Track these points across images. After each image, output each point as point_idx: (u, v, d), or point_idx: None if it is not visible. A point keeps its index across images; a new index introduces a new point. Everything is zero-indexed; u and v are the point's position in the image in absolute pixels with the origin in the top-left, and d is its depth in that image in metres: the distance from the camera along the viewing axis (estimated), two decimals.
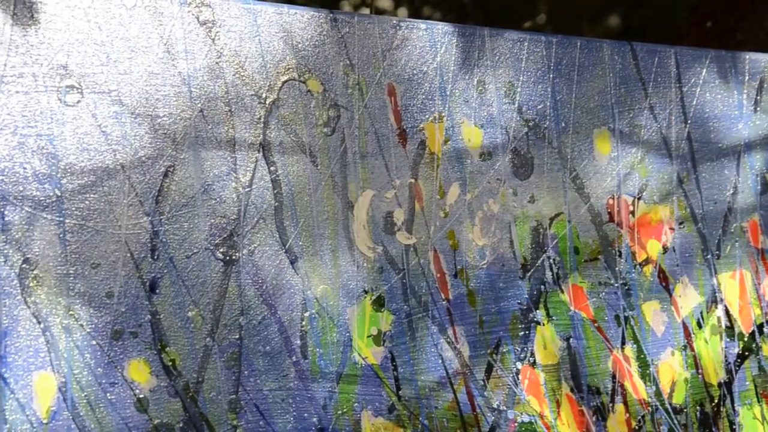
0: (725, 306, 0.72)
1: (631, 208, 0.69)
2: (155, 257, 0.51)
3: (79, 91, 0.49)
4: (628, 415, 0.66)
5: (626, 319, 0.67)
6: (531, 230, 0.64)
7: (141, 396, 0.50)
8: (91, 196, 0.49)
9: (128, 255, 0.50)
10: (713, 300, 0.72)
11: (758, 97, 0.75)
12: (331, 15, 0.58)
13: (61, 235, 0.48)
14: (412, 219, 0.59)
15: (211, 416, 0.52)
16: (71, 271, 0.48)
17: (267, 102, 0.55)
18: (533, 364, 0.62)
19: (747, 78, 0.75)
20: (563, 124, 0.66)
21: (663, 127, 0.71)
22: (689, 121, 0.72)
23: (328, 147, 0.57)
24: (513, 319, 0.62)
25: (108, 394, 0.49)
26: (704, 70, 0.73)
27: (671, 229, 0.70)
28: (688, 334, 0.69)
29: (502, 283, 0.62)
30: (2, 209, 0.47)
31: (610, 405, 0.66)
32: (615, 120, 0.68)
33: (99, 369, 0.49)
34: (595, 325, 0.66)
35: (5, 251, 0.47)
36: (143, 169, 0.51)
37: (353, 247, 0.57)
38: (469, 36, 0.62)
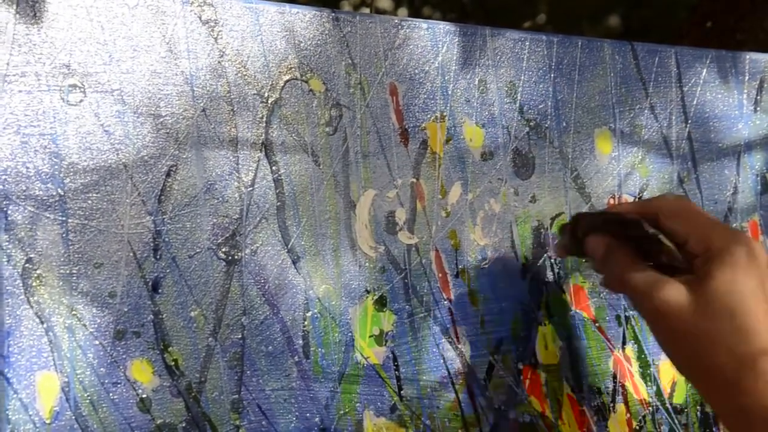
0: None
1: None
2: (158, 257, 0.51)
3: (82, 90, 0.49)
4: (629, 415, 0.66)
5: (627, 319, 0.67)
6: (532, 230, 0.64)
7: (144, 396, 0.50)
8: (94, 195, 0.49)
9: (131, 254, 0.50)
10: None
11: (758, 97, 0.75)
12: (333, 14, 0.58)
13: (64, 235, 0.48)
14: (414, 219, 0.59)
15: (213, 416, 0.52)
16: (74, 271, 0.48)
17: (269, 101, 0.55)
18: (534, 365, 0.62)
19: (747, 78, 0.75)
20: (564, 124, 0.66)
21: (663, 126, 0.71)
22: (690, 121, 0.72)
23: (330, 146, 0.57)
24: (514, 319, 0.62)
25: (111, 394, 0.49)
26: (705, 70, 0.73)
27: None
28: None
29: (504, 283, 0.62)
30: (5, 208, 0.47)
31: (611, 405, 0.66)
32: (616, 120, 0.69)
33: (102, 369, 0.49)
34: (596, 325, 0.66)
35: (8, 251, 0.47)
36: (146, 168, 0.51)
37: (355, 246, 0.57)
38: (470, 35, 0.63)
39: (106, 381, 0.49)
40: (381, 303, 0.57)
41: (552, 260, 0.65)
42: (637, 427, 0.66)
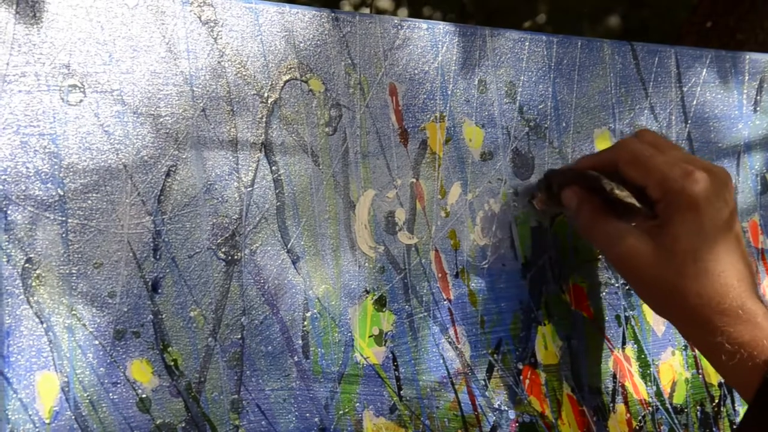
0: None
1: None
2: (157, 257, 0.51)
3: (82, 90, 0.49)
4: (628, 415, 0.66)
5: (627, 319, 0.67)
6: (532, 230, 0.64)
7: (143, 396, 0.50)
8: (94, 195, 0.49)
9: (130, 254, 0.50)
10: None
11: (758, 97, 0.75)
12: (333, 14, 0.58)
13: (63, 235, 0.48)
14: (414, 219, 0.59)
15: (213, 416, 0.52)
16: (74, 271, 0.48)
17: (269, 101, 0.55)
18: (534, 365, 0.62)
19: (747, 78, 0.75)
20: (564, 124, 0.66)
21: (663, 127, 0.71)
22: (689, 121, 0.72)
23: (330, 146, 0.57)
24: (514, 319, 0.62)
25: (110, 394, 0.49)
26: (704, 71, 0.73)
27: None
28: None
29: (503, 283, 0.62)
30: (5, 209, 0.47)
31: (611, 405, 0.66)
32: (615, 120, 0.69)
33: (101, 369, 0.49)
34: (596, 325, 0.66)
35: (8, 251, 0.47)
36: (145, 168, 0.51)
37: (355, 246, 0.57)
38: (470, 36, 0.63)
39: (106, 381, 0.49)
40: (380, 303, 0.58)
41: (552, 260, 0.65)
42: (637, 427, 0.66)
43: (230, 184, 0.53)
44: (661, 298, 0.55)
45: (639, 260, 0.53)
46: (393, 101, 0.59)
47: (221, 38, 0.54)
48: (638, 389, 0.67)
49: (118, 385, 0.49)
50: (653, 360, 0.68)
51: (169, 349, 0.51)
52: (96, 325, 0.49)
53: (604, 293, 0.66)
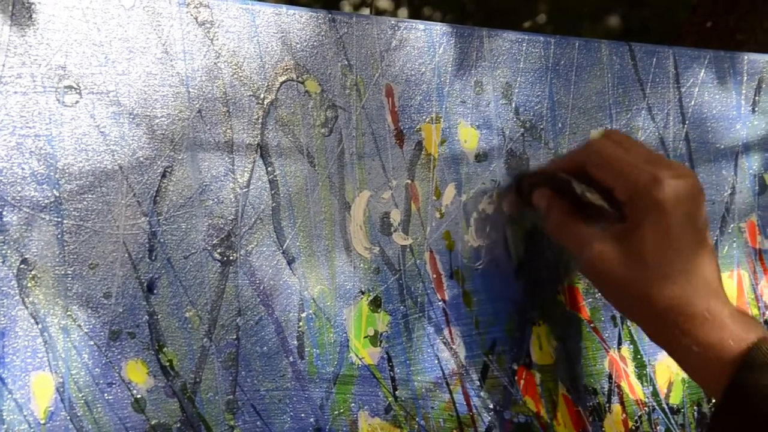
0: None
1: None
2: (153, 258, 0.51)
3: (78, 91, 0.50)
4: (625, 415, 0.66)
5: (623, 319, 0.67)
6: (526, 231, 0.64)
7: (138, 396, 0.50)
8: (89, 196, 0.50)
9: (126, 255, 0.50)
10: None
11: (756, 98, 0.75)
12: (330, 15, 0.58)
13: (59, 236, 0.49)
14: (409, 220, 0.59)
15: (208, 416, 0.52)
16: (69, 272, 0.49)
17: (265, 103, 0.55)
18: (529, 365, 0.63)
19: (745, 78, 0.75)
20: (560, 125, 0.66)
21: (661, 127, 0.71)
22: (687, 122, 0.72)
23: (326, 148, 0.57)
24: (509, 320, 0.62)
25: (105, 395, 0.49)
26: (702, 71, 0.73)
27: None
28: None
29: (498, 284, 0.62)
30: (1, 210, 0.47)
31: (607, 405, 0.66)
32: (612, 121, 0.69)
33: (97, 369, 0.49)
34: (591, 325, 0.66)
35: (3, 252, 0.47)
36: (141, 169, 0.51)
37: (350, 247, 0.57)
38: (467, 37, 0.63)
39: (101, 381, 0.49)
40: (376, 304, 0.58)
41: (546, 261, 0.65)
42: (633, 428, 0.67)
43: (226, 185, 0.53)
44: (629, 302, 0.55)
45: (607, 265, 0.54)
46: (389, 102, 0.59)
47: (217, 39, 0.54)
48: (634, 389, 0.67)
49: (114, 386, 0.49)
50: (649, 360, 0.68)
51: (165, 349, 0.51)
52: (91, 326, 0.49)
53: (599, 294, 0.66)
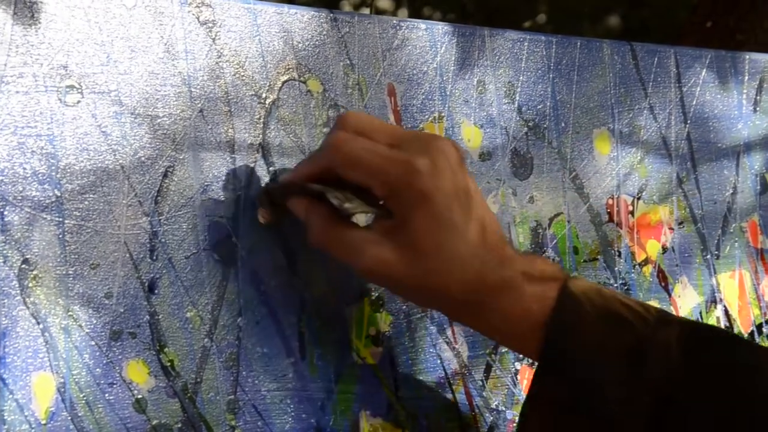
0: (724, 306, 0.72)
1: (630, 208, 0.69)
2: (154, 258, 0.51)
3: (79, 91, 0.49)
4: None
5: None
6: (530, 230, 0.64)
7: (139, 396, 0.50)
8: (91, 196, 0.49)
9: (127, 255, 0.50)
10: (712, 300, 0.72)
11: (758, 98, 0.75)
12: (332, 15, 0.58)
13: (60, 236, 0.48)
14: None
15: (209, 417, 0.52)
16: (70, 272, 0.49)
17: (267, 102, 0.55)
18: (532, 365, 0.62)
19: (746, 78, 0.75)
20: (563, 124, 0.66)
21: (662, 127, 0.71)
22: (689, 122, 0.72)
23: None
24: None
25: (106, 395, 0.49)
26: (704, 71, 0.73)
27: (671, 229, 0.70)
28: None
29: None
30: (2, 209, 0.47)
31: None
32: (615, 120, 0.69)
33: (98, 369, 0.49)
34: None
35: (4, 252, 0.47)
36: (143, 169, 0.51)
37: None
38: (469, 36, 0.63)
39: (102, 382, 0.49)
40: (377, 303, 0.58)
41: (550, 260, 0.65)
42: None
43: (227, 185, 0.53)
44: (425, 297, 0.52)
45: (386, 267, 0.49)
46: (391, 102, 0.59)
47: (219, 39, 0.54)
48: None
49: (115, 386, 0.49)
50: None
51: (166, 349, 0.51)
52: (92, 326, 0.49)
53: None
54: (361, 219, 0.53)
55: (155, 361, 0.51)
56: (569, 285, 0.50)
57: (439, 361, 0.59)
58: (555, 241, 0.65)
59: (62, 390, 0.48)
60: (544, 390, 0.50)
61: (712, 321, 0.71)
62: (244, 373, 0.53)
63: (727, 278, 0.72)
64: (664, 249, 0.70)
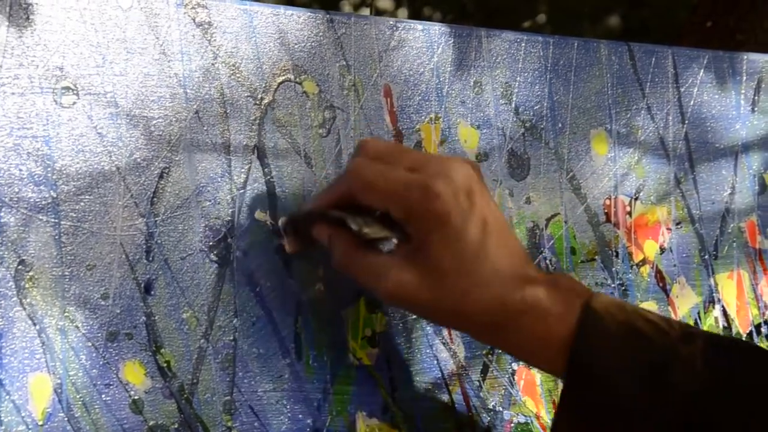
0: (723, 306, 0.72)
1: (628, 208, 0.69)
2: (150, 259, 0.51)
3: (75, 92, 0.50)
4: None
5: None
6: (528, 231, 0.64)
7: (136, 397, 0.50)
8: (87, 198, 0.50)
9: (123, 256, 0.50)
10: (710, 300, 0.72)
11: (756, 98, 0.75)
12: (328, 16, 0.58)
13: (56, 237, 0.49)
14: None
15: (205, 417, 0.52)
16: (67, 273, 0.49)
17: (262, 103, 0.55)
18: (529, 366, 0.62)
19: (744, 78, 0.75)
20: (560, 125, 0.66)
21: (660, 127, 0.71)
22: (687, 122, 0.72)
23: (324, 148, 0.57)
24: None
25: (103, 396, 0.49)
26: (702, 71, 0.73)
27: (668, 229, 0.70)
28: None
29: None
30: None
31: None
32: (612, 121, 0.68)
33: (94, 370, 0.49)
34: None
35: (1, 253, 0.47)
36: (138, 170, 0.51)
37: None
38: (465, 37, 0.63)
39: (99, 383, 0.49)
40: (373, 304, 0.58)
41: (547, 261, 0.65)
42: None
43: (223, 187, 0.53)
44: (448, 320, 0.52)
45: (408, 291, 0.49)
46: (387, 103, 0.59)
47: (215, 40, 0.54)
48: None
49: (111, 387, 0.49)
50: None
51: (162, 350, 0.51)
52: (89, 327, 0.49)
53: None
54: (385, 244, 0.52)
55: (152, 362, 0.51)
56: (592, 302, 0.49)
57: (435, 362, 0.59)
58: (552, 241, 0.65)
59: (59, 391, 0.48)
60: (572, 409, 0.50)
61: (710, 321, 0.71)
62: (240, 373, 0.53)
63: (725, 278, 0.72)
64: (662, 249, 0.70)
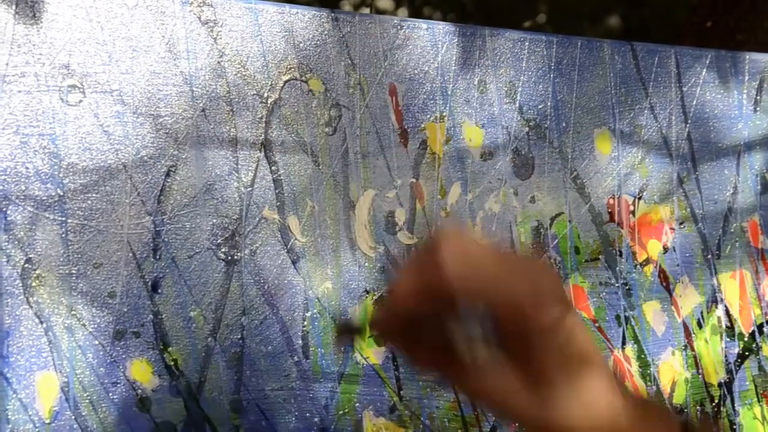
0: (725, 306, 0.72)
1: (631, 208, 0.69)
2: (157, 257, 0.51)
3: (81, 90, 0.49)
4: None
5: (627, 319, 0.67)
6: (532, 230, 0.64)
7: (143, 396, 0.50)
8: (94, 195, 0.49)
9: (130, 255, 0.50)
10: (713, 300, 0.72)
11: (758, 97, 0.75)
12: (333, 14, 0.58)
13: (63, 235, 0.48)
14: (414, 219, 0.59)
15: (213, 416, 0.52)
16: (73, 271, 0.48)
17: (269, 101, 0.55)
18: None
19: (747, 78, 0.75)
20: (564, 124, 0.66)
21: (663, 127, 0.71)
22: (689, 121, 0.72)
23: (330, 147, 0.57)
24: None
25: (110, 394, 0.49)
26: (704, 71, 0.73)
27: (672, 229, 0.70)
28: (688, 334, 0.69)
29: None
30: (5, 209, 0.47)
31: None
32: (615, 120, 0.68)
33: (101, 369, 0.49)
34: (596, 325, 0.66)
35: (8, 251, 0.47)
36: (145, 168, 0.51)
37: (355, 246, 0.57)
38: (470, 36, 0.63)
39: (106, 381, 0.49)
40: (381, 303, 0.57)
41: (551, 260, 0.65)
42: None
43: (230, 184, 0.53)
44: (531, 425, 0.51)
45: (500, 396, 0.44)
46: (393, 101, 0.59)
47: (221, 38, 0.54)
48: (638, 389, 0.67)
49: (118, 385, 0.49)
50: (653, 360, 0.68)
51: (169, 349, 0.51)
52: (96, 325, 0.49)
53: (603, 293, 0.66)
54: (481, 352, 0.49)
55: (159, 361, 0.51)
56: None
57: None
58: (556, 240, 0.65)
59: (66, 389, 0.48)
60: None
61: (713, 321, 0.71)
62: (247, 372, 0.53)
63: (728, 278, 0.72)
64: (665, 249, 0.70)
